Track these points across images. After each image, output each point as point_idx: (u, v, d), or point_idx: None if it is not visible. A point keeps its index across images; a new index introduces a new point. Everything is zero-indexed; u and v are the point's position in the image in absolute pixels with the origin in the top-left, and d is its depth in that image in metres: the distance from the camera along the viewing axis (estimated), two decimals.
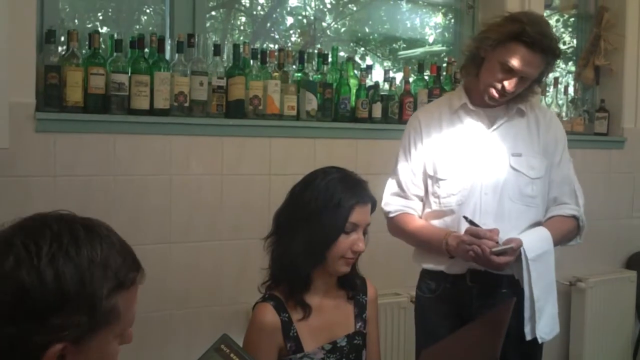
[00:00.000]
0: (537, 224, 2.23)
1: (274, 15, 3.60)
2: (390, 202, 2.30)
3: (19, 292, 0.95)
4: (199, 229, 2.80)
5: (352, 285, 1.90)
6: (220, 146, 2.83)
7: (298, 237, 1.77)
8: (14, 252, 0.97)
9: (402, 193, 2.30)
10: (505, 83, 2.13)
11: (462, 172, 2.21)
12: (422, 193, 2.29)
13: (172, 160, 2.74)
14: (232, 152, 2.86)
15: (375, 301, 1.97)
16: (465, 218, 2.14)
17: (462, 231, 2.15)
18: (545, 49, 2.10)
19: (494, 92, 2.16)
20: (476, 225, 2.11)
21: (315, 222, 1.75)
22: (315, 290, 1.83)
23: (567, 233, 2.27)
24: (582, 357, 3.73)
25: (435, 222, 2.25)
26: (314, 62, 3.11)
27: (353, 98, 3.16)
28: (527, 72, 2.12)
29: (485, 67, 2.18)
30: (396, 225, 2.31)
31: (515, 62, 2.10)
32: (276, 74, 2.94)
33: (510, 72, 2.11)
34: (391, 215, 2.30)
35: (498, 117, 2.24)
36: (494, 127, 2.23)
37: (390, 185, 2.33)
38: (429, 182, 2.26)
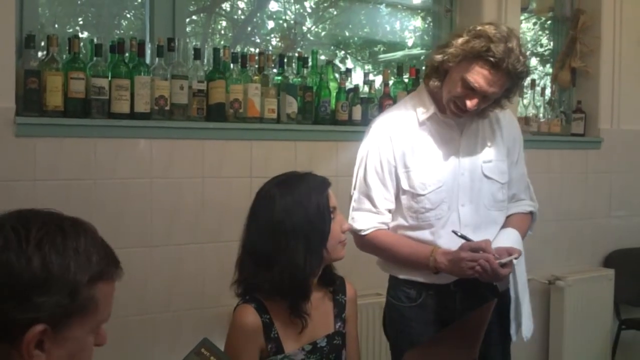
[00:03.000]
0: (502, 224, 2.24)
1: (255, 19, 3.62)
2: (359, 218, 2.19)
3: (5, 272, 0.99)
4: (180, 232, 2.80)
5: (331, 281, 1.93)
6: (201, 149, 2.84)
7: (293, 249, 1.77)
8: (2, 234, 1.01)
9: (373, 208, 2.18)
10: (467, 102, 2.04)
11: (439, 185, 2.14)
12: (392, 206, 2.19)
13: (153, 163, 2.74)
14: (213, 155, 2.86)
15: (355, 301, 2.00)
16: (455, 233, 2.09)
17: (441, 245, 2.11)
18: (510, 68, 1.98)
19: (454, 107, 2.08)
20: (468, 240, 2.06)
21: (305, 227, 1.78)
22: None
23: (527, 229, 2.30)
24: (561, 354, 3.78)
25: (411, 234, 2.17)
26: (294, 66, 3.12)
27: (333, 101, 3.18)
28: (489, 92, 2.02)
29: (449, 79, 2.08)
30: (369, 242, 2.19)
31: (477, 82, 2.00)
32: (256, 77, 2.95)
33: (472, 90, 2.02)
34: (364, 233, 2.18)
35: (466, 124, 2.18)
36: (464, 135, 2.17)
37: (358, 200, 2.20)
38: (404, 197, 2.16)
